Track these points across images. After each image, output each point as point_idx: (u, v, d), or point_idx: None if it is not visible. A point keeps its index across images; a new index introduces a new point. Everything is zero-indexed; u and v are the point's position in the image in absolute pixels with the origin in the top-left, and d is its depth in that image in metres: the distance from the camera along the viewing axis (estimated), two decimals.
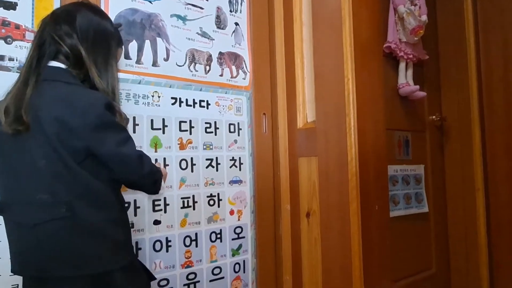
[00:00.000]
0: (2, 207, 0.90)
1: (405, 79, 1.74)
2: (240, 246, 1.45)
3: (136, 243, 1.20)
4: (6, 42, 1.05)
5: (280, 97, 1.57)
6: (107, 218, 0.89)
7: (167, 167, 1.28)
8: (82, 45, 0.91)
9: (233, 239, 1.43)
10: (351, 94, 1.31)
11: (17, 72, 1.05)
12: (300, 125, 1.51)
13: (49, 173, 0.85)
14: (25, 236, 0.87)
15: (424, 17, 1.70)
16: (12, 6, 1.07)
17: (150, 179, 0.98)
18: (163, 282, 1.25)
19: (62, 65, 0.91)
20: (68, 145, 0.84)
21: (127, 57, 1.23)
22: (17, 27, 1.07)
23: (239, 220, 1.46)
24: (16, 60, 1.06)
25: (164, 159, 1.28)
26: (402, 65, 1.74)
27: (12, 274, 0.88)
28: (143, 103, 1.25)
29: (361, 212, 1.29)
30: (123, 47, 1.09)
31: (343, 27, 1.33)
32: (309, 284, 1.44)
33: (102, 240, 0.87)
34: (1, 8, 1.05)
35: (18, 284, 1.00)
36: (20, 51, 1.07)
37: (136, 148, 0.94)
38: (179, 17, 1.35)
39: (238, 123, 1.49)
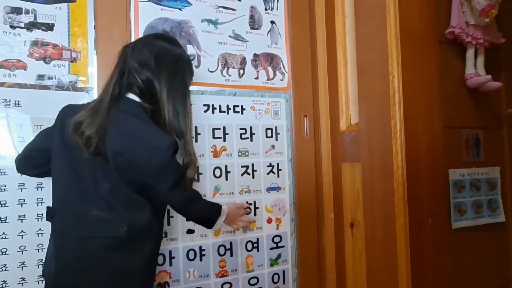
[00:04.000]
0: (53, 214, 0.96)
1: (474, 69, 1.49)
2: (279, 255, 1.39)
3: (170, 252, 1.22)
4: (45, 62, 1.12)
5: (322, 97, 1.46)
6: (150, 246, 0.97)
7: (200, 175, 1.27)
8: (157, 79, 0.95)
9: (271, 249, 1.38)
10: (397, 93, 1.15)
11: (56, 90, 1.12)
12: (343, 128, 1.38)
13: (111, 195, 0.90)
14: (68, 247, 0.92)
15: None
16: (50, 27, 1.13)
17: (198, 218, 1.10)
18: None
19: (137, 98, 0.96)
20: (127, 176, 0.90)
21: None
22: (55, 47, 1.14)
23: (277, 228, 1.40)
24: (55, 79, 1.13)
25: (197, 167, 1.27)
26: (470, 52, 1.49)
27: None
28: None
29: (410, 227, 1.14)
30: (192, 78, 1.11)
31: (387, 15, 1.18)
32: None
33: (141, 265, 0.93)
34: (40, 30, 1.12)
35: None
36: (58, 70, 1.13)
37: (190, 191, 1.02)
38: (210, 21, 1.32)
39: (276, 127, 1.42)
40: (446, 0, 1.43)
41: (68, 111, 0.96)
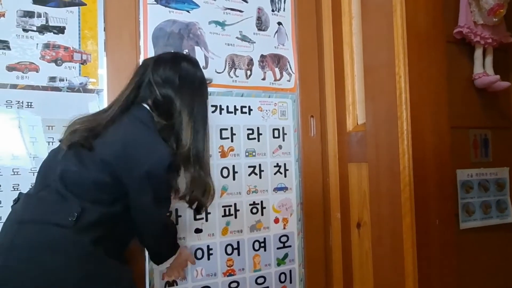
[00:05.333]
0: (18, 198, 0.91)
1: (482, 68, 1.48)
2: (286, 255, 1.40)
3: None
4: (57, 64, 1.15)
5: (329, 98, 1.46)
6: (100, 246, 0.83)
7: None
8: (179, 98, 0.94)
9: (278, 248, 1.39)
10: (404, 94, 1.15)
11: (67, 91, 1.14)
12: (350, 128, 1.39)
13: (74, 181, 0.84)
14: (4, 230, 0.83)
15: None
16: (61, 30, 1.16)
17: (160, 246, 1.01)
18: None
19: (148, 109, 0.95)
20: (114, 176, 0.86)
21: None
22: (66, 49, 1.16)
23: (284, 228, 1.41)
24: (66, 80, 1.15)
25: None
26: (478, 52, 1.48)
27: None
28: None
29: (417, 228, 1.14)
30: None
31: (394, 15, 1.18)
32: None
33: (77, 265, 0.80)
34: (52, 33, 1.14)
35: None
36: (69, 72, 1.16)
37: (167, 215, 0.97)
38: (217, 23, 1.34)
39: (283, 128, 1.43)
40: (454, 0, 1.43)
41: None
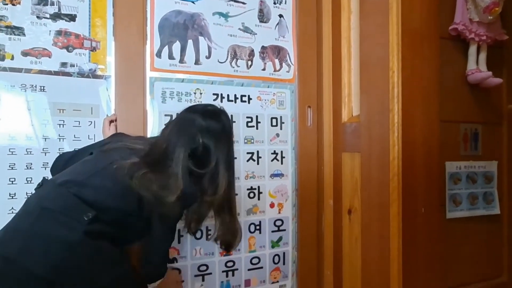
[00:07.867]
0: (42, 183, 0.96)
1: (476, 65, 1.52)
2: (280, 238, 1.48)
3: (179, 230, 1.31)
4: (68, 51, 1.21)
5: (326, 89, 1.52)
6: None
7: None
8: (216, 148, 1.00)
9: (272, 231, 1.47)
10: (396, 88, 1.21)
11: (77, 76, 1.21)
12: (345, 119, 1.45)
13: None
14: (27, 213, 0.87)
15: None
16: (73, 18, 1.22)
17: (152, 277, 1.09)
18: (203, 268, 1.35)
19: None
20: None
21: (171, 57, 1.32)
22: (77, 36, 1.22)
23: (279, 213, 1.48)
24: (76, 66, 1.22)
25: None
26: (472, 49, 1.53)
27: None
28: (185, 100, 1.33)
29: (404, 215, 1.21)
30: None
31: (389, 13, 1.23)
32: (349, 281, 1.41)
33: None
34: (64, 20, 1.20)
35: None
36: (79, 58, 1.22)
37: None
38: (221, 14, 1.39)
39: (281, 117, 1.49)
40: None
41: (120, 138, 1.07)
